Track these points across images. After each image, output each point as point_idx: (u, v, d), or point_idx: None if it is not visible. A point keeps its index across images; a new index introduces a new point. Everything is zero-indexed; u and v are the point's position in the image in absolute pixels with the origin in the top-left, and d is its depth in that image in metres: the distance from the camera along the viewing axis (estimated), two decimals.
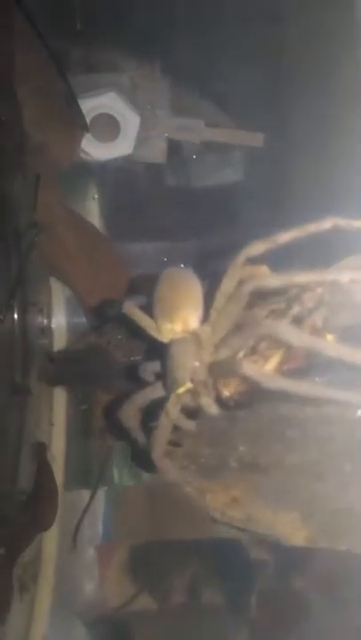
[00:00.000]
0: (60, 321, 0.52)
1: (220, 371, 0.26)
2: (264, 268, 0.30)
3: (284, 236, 0.25)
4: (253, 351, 0.26)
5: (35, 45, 0.41)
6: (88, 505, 0.50)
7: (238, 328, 0.25)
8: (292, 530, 0.31)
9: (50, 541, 0.48)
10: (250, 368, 0.24)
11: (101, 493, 0.53)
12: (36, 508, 0.38)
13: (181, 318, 0.27)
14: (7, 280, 0.43)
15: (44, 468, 0.40)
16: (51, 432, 0.50)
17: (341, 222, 0.25)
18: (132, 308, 0.28)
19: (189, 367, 0.26)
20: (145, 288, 0.29)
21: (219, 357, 0.26)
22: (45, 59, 0.42)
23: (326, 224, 0.25)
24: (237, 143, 0.52)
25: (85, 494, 0.51)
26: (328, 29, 0.47)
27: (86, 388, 0.43)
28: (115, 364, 0.40)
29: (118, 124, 0.49)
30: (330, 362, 0.25)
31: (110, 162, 0.51)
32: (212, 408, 0.27)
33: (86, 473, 0.52)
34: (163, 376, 0.27)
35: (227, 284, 0.26)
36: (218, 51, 0.48)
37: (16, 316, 0.47)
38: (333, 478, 0.30)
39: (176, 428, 0.33)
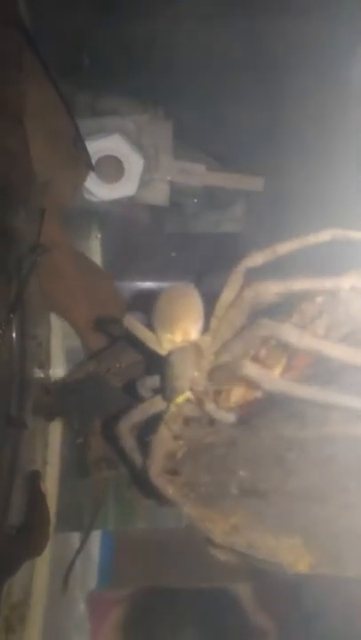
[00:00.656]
0: (57, 355, 0.52)
1: (220, 375, 0.26)
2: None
3: (284, 247, 0.25)
4: (254, 359, 0.26)
5: (45, 86, 0.43)
6: (80, 548, 0.49)
7: (239, 334, 0.25)
8: (294, 556, 0.30)
9: (40, 583, 0.46)
10: (251, 369, 0.24)
11: (96, 536, 0.51)
12: (27, 533, 0.36)
13: (181, 329, 0.27)
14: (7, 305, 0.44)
15: (37, 495, 0.39)
16: (45, 471, 0.49)
17: (340, 233, 0.26)
18: (132, 322, 0.29)
19: (189, 376, 0.26)
20: (145, 305, 0.30)
21: (219, 363, 0.26)
22: (54, 99, 0.44)
23: (326, 235, 0.25)
24: (238, 187, 0.53)
25: (78, 537, 0.50)
26: (325, 85, 0.50)
27: (83, 418, 0.42)
28: (112, 393, 0.39)
29: (122, 165, 0.51)
30: (330, 372, 0.25)
31: (114, 202, 0.52)
32: (220, 414, 0.26)
33: (80, 514, 0.50)
34: (162, 386, 0.27)
35: (227, 294, 0.26)
36: (219, 98, 0.51)
37: (14, 348, 0.47)
38: (336, 499, 0.29)
39: (172, 456, 0.33)
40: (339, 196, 0.48)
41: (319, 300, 0.26)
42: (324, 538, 0.29)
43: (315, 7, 0.47)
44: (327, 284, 0.24)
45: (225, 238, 0.56)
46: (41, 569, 0.46)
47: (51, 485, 0.48)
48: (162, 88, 0.51)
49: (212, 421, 0.29)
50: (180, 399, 0.26)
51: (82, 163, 0.47)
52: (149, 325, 0.29)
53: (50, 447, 0.50)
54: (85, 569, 0.51)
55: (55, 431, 0.50)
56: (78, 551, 0.49)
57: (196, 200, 0.55)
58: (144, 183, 0.52)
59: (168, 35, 0.49)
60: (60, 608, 0.48)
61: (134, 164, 0.51)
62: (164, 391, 0.27)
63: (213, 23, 0.49)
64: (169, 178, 0.53)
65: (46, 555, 0.47)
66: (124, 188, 0.52)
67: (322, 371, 0.26)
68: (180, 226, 0.55)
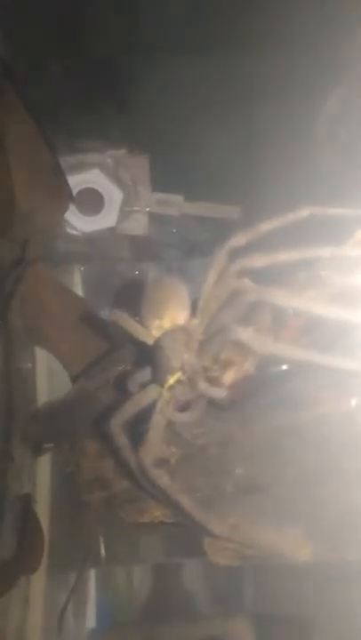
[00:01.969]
0: (42, 390, 0.51)
1: (212, 345, 0.26)
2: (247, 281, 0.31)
3: (265, 226, 0.26)
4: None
5: (24, 119, 0.44)
6: (75, 586, 0.47)
7: (227, 302, 0.25)
8: (296, 546, 0.29)
9: (34, 623, 0.43)
10: (242, 332, 0.24)
11: (91, 574, 0.49)
12: (21, 552, 0.35)
13: (169, 315, 0.27)
14: None
15: (30, 516, 0.37)
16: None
17: (318, 210, 0.26)
18: (120, 315, 0.29)
19: (180, 356, 0.26)
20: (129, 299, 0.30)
21: (209, 334, 0.26)
22: (33, 132, 0.46)
23: (304, 212, 0.26)
24: (215, 216, 0.55)
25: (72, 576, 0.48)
26: (294, 123, 0.52)
27: (74, 441, 0.41)
28: (101, 409, 0.39)
29: (102, 198, 0.53)
30: (326, 340, 0.25)
31: (94, 234, 0.53)
32: (213, 391, 0.26)
33: (73, 551, 0.48)
34: (153, 371, 0.27)
35: (212, 274, 0.26)
36: (195, 132, 0.53)
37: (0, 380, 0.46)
38: (334, 481, 0.29)
39: (165, 463, 0.32)
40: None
41: (301, 274, 0.26)
42: (324, 522, 0.29)
43: (289, 49, 0.51)
44: (310, 253, 0.25)
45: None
46: (35, 609, 0.44)
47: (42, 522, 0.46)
48: (138, 124, 0.53)
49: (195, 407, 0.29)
50: (171, 380, 0.26)
51: (63, 194, 0.49)
52: (137, 318, 0.29)
53: (38, 483, 0.48)
54: (81, 609, 0.48)
55: (44, 465, 0.49)
56: (73, 590, 0.46)
57: (174, 230, 0.56)
58: (123, 215, 0.53)
59: (144, 73, 0.52)
60: None
61: (114, 196, 0.53)
62: (156, 375, 0.27)
63: (188, 61, 0.51)
64: (148, 209, 0.54)
65: (39, 595, 0.45)
66: (105, 220, 0.53)
67: (317, 339, 0.26)
68: (159, 253, 0.56)
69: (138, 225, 0.54)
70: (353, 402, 0.27)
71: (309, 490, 0.29)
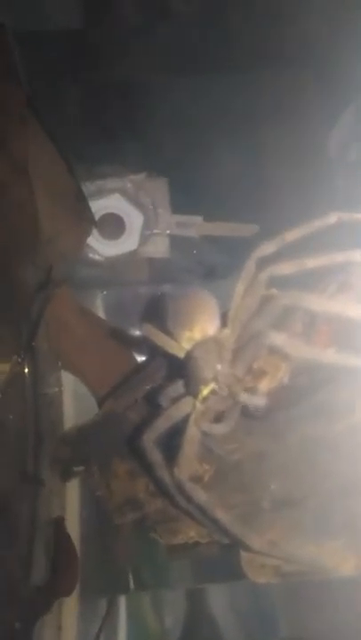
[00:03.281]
0: (69, 414, 0.51)
1: (246, 352, 0.26)
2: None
3: (292, 234, 0.26)
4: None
5: (45, 144, 0.45)
6: (107, 613, 0.46)
7: (260, 308, 0.25)
8: (338, 559, 0.28)
9: None
10: (276, 337, 0.24)
11: (121, 601, 0.48)
12: (55, 575, 0.34)
13: (200, 326, 0.27)
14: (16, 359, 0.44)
15: (62, 537, 0.37)
16: None
17: (345, 216, 0.27)
18: (150, 329, 0.29)
19: (213, 366, 0.26)
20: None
21: (242, 343, 0.26)
22: (55, 157, 0.46)
23: (331, 219, 0.26)
24: (233, 234, 0.55)
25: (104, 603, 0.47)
26: (306, 145, 0.53)
27: (104, 463, 0.41)
28: (130, 429, 0.39)
29: (123, 222, 0.53)
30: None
31: (116, 258, 0.54)
32: (254, 399, 0.26)
33: (103, 577, 0.48)
34: (186, 383, 0.27)
35: (241, 284, 0.26)
36: (210, 155, 0.54)
37: (27, 403, 0.46)
38: None
39: (200, 480, 0.32)
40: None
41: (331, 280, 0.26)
42: None
43: (303, 69, 0.52)
44: (339, 258, 0.25)
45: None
46: (68, 636, 0.43)
47: None
48: (156, 149, 0.54)
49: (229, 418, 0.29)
50: (205, 391, 0.26)
51: (85, 219, 0.49)
52: (166, 332, 0.29)
53: (68, 508, 0.48)
54: (112, 636, 0.47)
55: (73, 490, 0.49)
56: (105, 617, 0.46)
57: (195, 252, 0.56)
58: (144, 238, 0.54)
59: (159, 97, 0.53)
60: None
61: (135, 220, 0.53)
62: (189, 386, 0.27)
63: (201, 84, 0.53)
64: (168, 231, 0.55)
65: (72, 622, 0.44)
66: (126, 244, 0.53)
67: (349, 343, 0.26)
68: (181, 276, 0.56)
69: (159, 248, 0.55)
70: None
71: (348, 501, 0.28)
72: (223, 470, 0.33)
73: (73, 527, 0.47)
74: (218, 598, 0.51)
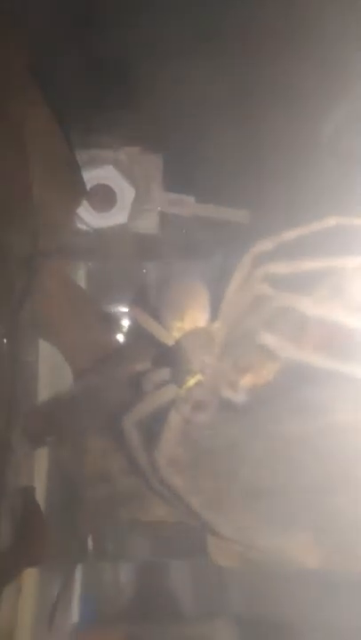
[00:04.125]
0: (44, 381, 0.51)
1: (237, 349, 0.26)
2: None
3: (290, 234, 0.27)
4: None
5: (42, 112, 0.45)
6: (66, 582, 0.47)
7: (254, 307, 0.26)
8: (304, 553, 0.29)
9: (26, 619, 0.43)
10: (268, 338, 0.24)
11: (78, 569, 0.49)
12: (22, 544, 0.35)
13: (190, 316, 0.28)
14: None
15: (32, 507, 0.37)
16: None
17: (344, 221, 0.27)
18: (140, 313, 0.29)
19: (200, 358, 0.26)
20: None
21: (232, 339, 0.26)
22: (51, 125, 0.46)
23: (330, 222, 0.27)
24: (224, 219, 0.55)
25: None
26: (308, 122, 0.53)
27: (76, 434, 0.41)
28: (110, 406, 0.39)
29: (115, 195, 0.53)
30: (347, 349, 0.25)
31: (104, 230, 0.53)
32: (235, 396, 0.26)
33: (65, 545, 0.48)
34: (173, 372, 0.27)
35: (237, 279, 0.27)
36: (206, 135, 0.53)
37: (5, 371, 0.46)
38: (344, 491, 0.29)
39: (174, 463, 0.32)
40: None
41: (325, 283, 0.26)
42: (333, 532, 0.29)
43: (303, 58, 0.51)
44: (335, 263, 0.25)
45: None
46: (27, 600, 0.44)
47: None
48: (152, 123, 0.53)
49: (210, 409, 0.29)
50: (191, 382, 0.26)
51: (77, 189, 0.49)
52: (157, 318, 0.29)
53: (36, 474, 0.48)
54: (68, 604, 0.48)
55: (41, 459, 0.49)
56: (64, 585, 0.46)
57: (184, 231, 0.56)
58: (135, 213, 0.53)
59: (158, 73, 0.52)
60: None
61: (126, 193, 0.53)
62: (175, 376, 0.27)
63: (202, 64, 0.52)
64: (159, 208, 0.54)
65: (32, 586, 0.44)
66: (116, 217, 0.53)
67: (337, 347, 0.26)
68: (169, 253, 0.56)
69: (149, 223, 0.54)
70: None
71: (319, 498, 0.29)
72: (198, 455, 0.33)
73: (39, 494, 0.48)
74: (175, 571, 0.52)
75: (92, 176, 0.52)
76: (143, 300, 0.30)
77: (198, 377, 0.27)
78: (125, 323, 0.48)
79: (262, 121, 0.53)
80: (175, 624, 0.50)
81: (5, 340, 0.43)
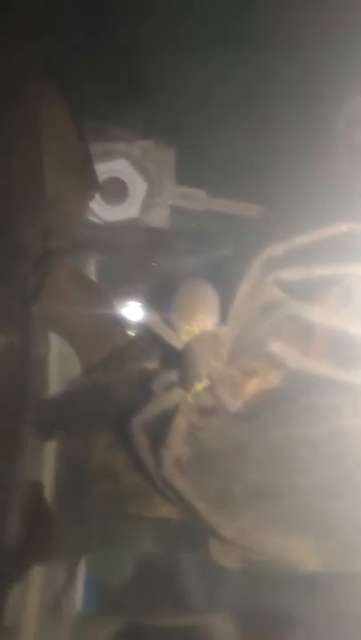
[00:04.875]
0: (55, 377, 0.51)
1: (244, 356, 0.26)
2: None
3: (302, 239, 0.26)
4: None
5: (56, 104, 0.44)
6: (72, 572, 0.47)
7: (262, 314, 0.26)
8: (305, 555, 0.29)
9: (32, 608, 0.44)
10: (276, 346, 0.24)
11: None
12: (29, 543, 0.35)
13: (199, 320, 0.28)
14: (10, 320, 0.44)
15: (39, 504, 0.38)
16: None
17: (357, 227, 0.27)
18: (150, 316, 0.29)
19: (208, 363, 0.26)
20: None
21: (242, 344, 0.26)
22: (65, 118, 0.45)
23: (342, 227, 0.26)
24: (235, 213, 0.55)
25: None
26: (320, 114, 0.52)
27: (84, 428, 0.42)
28: (118, 402, 0.39)
29: (127, 188, 0.52)
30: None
31: (115, 224, 0.53)
32: (228, 401, 0.27)
33: (71, 536, 0.49)
34: (181, 376, 0.27)
35: (247, 283, 0.27)
36: (219, 128, 0.53)
37: (16, 364, 0.47)
38: (347, 495, 0.29)
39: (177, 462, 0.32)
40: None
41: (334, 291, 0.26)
42: (335, 535, 0.29)
43: (315, 50, 0.50)
44: (347, 269, 0.25)
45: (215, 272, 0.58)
46: (33, 589, 0.45)
47: None
48: (165, 118, 0.53)
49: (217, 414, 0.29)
50: (198, 387, 0.27)
51: (90, 182, 0.48)
52: (166, 321, 0.29)
53: (45, 466, 0.49)
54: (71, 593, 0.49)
55: (50, 450, 0.49)
56: (70, 576, 0.47)
57: (194, 225, 0.56)
58: (146, 206, 0.53)
59: (172, 69, 0.52)
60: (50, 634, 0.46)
61: (138, 187, 0.53)
62: (183, 380, 0.27)
63: (216, 57, 0.51)
64: (170, 202, 0.54)
65: (38, 575, 0.45)
66: (127, 211, 0.53)
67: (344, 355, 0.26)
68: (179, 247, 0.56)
69: (159, 217, 0.54)
70: None
71: (322, 502, 0.29)
72: (201, 454, 0.34)
73: (47, 486, 0.48)
74: (179, 564, 0.53)
75: (105, 169, 0.52)
76: (153, 301, 0.30)
77: (206, 382, 0.27)
78: (136, 318, 0.48)
79: (275, 115, 0.53)
80: (175, 615, 0.51)
81: (17, 336, 0.44)
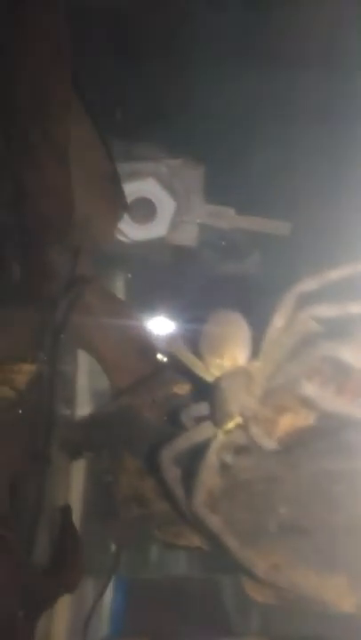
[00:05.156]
0: (83, 394, 0.51)
1: (277, 397, 0.26)
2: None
3: (335, 273, 0.26)
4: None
5: (86, 127, 0.44)
6: (101, 593, 0.47)
7: (296, 355, 0.25)
8: (340, 595, 0.29)
9: (60, 629, 0.44)
10: (310, 389, 0.24)
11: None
12: (60, 569, 0.35)
13: (230, 354, 0.27)
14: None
15: (69, 530, 0.38)
16: None
17: None
18: (178, 346, 0.29)
19: (241, 400, 0.26)
20: None
21: (275, 385, 0.26)
22: (94, 140, 0.45)
23: None
24: (265, 231, 0.54)
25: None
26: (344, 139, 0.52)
27: (113, 454, 0.41)
28: (147, 427, 0.39)
29: (155, 208, 0.52)
30: None
31: (143, 243, 0.53)
32: (264, 440, 0.26)
33: (99, 558, 0.49)
34: (212, 412, 0.27)
35: (279, 318, 0.26)
36: (247, 146, 0.52)
37: (44, 383, 0.47)
38: None
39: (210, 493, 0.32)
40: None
41: None
42: None
43: (345, 68, 0.50)
44: None
45: (244, 283, 0.57)
46: (61, 615, 0.45)
47: None
48: (194, 135, 0.53)
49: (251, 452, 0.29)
50: (230, 425, 0.26)
51: (118, 202, 0.48)
52: (196, 352, 0.29)
53: (73, 487, 0.49)
54: (96, 616, 0.49)
55: (78, 470, 0.49)
56: (99, 596, 0.47)
57: (223, 243, 0.55)
58: (174, 225, 0.53)
59: (199, 87, 0.51)
60: None
61: (166, 206, 0.52)
62: (214, 417, 0.27)
63: (242, 77, 0.51)
64: (198, 220, 0.54)
65: (66, 600, 0.45)
66: (156, 230, 0.53)
67: None
68: (207, 266, 0.56)
69: (188, 236, 0.54)
70: None
71: (356, 539, 0.29)
72: (233, 486, 0.33)
73: (75, 506, 0.48)
74: (209, 586, 0.52)
75: (134, 189, 0.51)
76: (181, 325, 0.30)
77: (238, 420, 0.26)
78: (164, 341, 0.48)
79: (304, 133, 0.53)
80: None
81: (46, 358, 0.44)
